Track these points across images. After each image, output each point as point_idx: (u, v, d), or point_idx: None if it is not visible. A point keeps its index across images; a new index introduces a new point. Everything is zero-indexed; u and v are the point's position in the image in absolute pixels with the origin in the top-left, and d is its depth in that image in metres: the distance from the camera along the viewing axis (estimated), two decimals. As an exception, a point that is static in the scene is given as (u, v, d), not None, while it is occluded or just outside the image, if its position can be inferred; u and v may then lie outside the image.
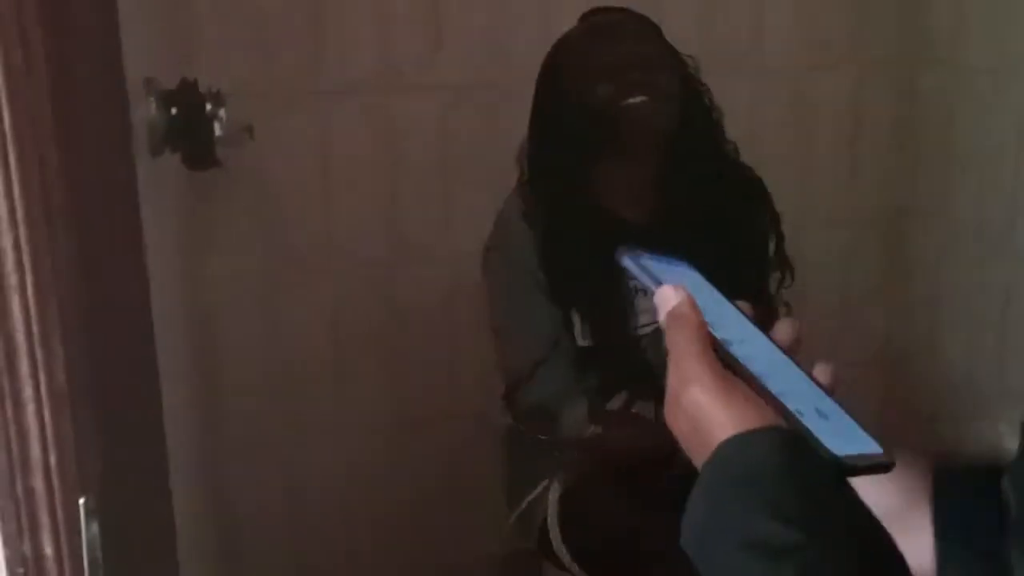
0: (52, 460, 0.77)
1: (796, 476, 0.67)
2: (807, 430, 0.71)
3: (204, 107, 1.27)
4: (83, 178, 0.75)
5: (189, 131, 1.27)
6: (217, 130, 1.30)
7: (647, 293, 0.82)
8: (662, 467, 1.42)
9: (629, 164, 1.78)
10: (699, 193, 1.79)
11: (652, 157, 1.77)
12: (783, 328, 0.79)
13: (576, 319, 1.75)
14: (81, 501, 0.78)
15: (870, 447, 0.71)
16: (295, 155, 2.11)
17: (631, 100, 1.69)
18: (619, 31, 1.77)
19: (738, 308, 0.81)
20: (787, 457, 0.68)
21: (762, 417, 0.71)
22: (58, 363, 0.75)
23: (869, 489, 0.71)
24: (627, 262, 0.84)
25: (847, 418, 0.73)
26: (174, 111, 1.26)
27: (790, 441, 0.69)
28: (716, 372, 0.74)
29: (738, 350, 0.76)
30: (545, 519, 1.77)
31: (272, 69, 2.05)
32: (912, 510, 0.79)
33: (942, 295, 2.45)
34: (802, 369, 0.77)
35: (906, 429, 2.38)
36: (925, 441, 2.38)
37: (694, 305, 0.77)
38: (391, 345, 2.26)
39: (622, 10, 1.83)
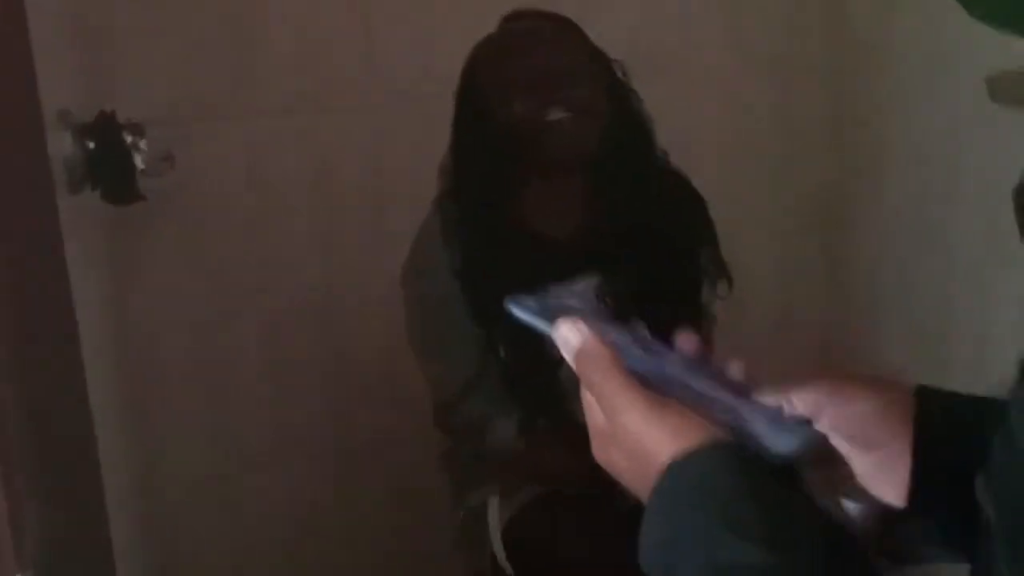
0: (-18, 535, 0.70)
1: (753, 490, 0.66)
2: (748, 435, 0.71)
3: (123, 139, 1.21)
4: (1, 226, 0.69)
5: (109, 165, 1.20)
6: (139, 163, 1.23)
7: None
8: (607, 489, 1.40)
9: (553, 181, 1.71)
10: (627, 207, 1.72)
11: (577, 173, 1.70)
12: (685, 339, 0.78)
13: (497, 337, 1.70)
14: (16, 578, 0.71)
15: (802, 432, 0.71)
16: (222, 182, 2.04)
17: (551, 117, 1.61)
18: (536, 39, 1.69)
19: (633, 325, 0.79)
20: (740, 470, 0.67)
21: (702, 429, 0.69)
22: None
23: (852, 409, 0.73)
24: (517, 312, 0.81)
25: (770, 411, 0.73)
26: (91, 145, 1.20)
27: (738, 453, 0.68)
28: (644, 396, 0.72)
29: (651, 367, 0.75)
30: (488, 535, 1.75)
31: (193, 95, 1.98)
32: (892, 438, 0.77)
33: (880, 296, 2.44)
34: (714, 373, 0.76)
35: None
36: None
37: (597, 339, 0.76)
38: (330, 370, 2.20)
39: (541, 14, 1.74)
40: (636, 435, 0.71)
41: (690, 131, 2.18)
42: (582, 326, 0.77)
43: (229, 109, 2.03)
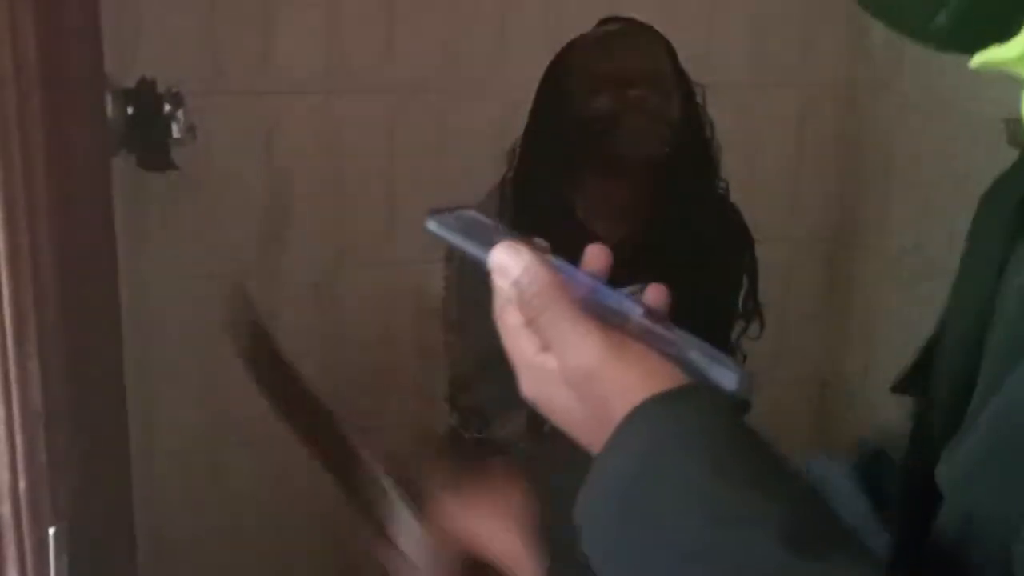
0: (22, 487, 0.72)
1: (743, 436, 0.60)
2: (693, 372, 0.64)
3: (163, 107, 1.22)
4: (68, 189, 0.70)
5: (147, 131, 1.21)
6: (175, 132, 1.25)
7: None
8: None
9: (614, 181, 1.73)
10: (678, 225, 1.74)
11: (637, 178, 1.72)
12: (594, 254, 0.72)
13: None
14: (51, 531, 0.73)
15: (739, 368, 0.65)
16: (239, 156, 2.05)
17: (627, 118, 1.64)
18: (626, 42, 1.72)
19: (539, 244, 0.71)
20: (725, 415, 0.61)
21: (671, 370, 0.63)
22: (34, 383, 0.70)
23: None
24: (436, 229, 0.72)
25: (704, 346, 0.66)
26: (131, 110, 1.21)
27: (712, 395, 0.63)
28: (600, 330, 0.64)
29: (589, 296, 0.67)
30: None
31: (218, 68, 1.99)
32: None
33: (879, 316, 2.47)
34: (645, 305, 0.68)
35: (839, 447, 2.40)
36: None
37: (545, 261, 0.68)
38: (331, 352, 2.21)
39: (634, 21, 1.77)
40: (592, 373, 0.64)
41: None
42: (523, 249, 0.69)
43: (250, 84, 2.04)
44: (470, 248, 0.71)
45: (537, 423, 1.73)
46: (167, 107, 1.24)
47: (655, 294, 0.70)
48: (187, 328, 2.10)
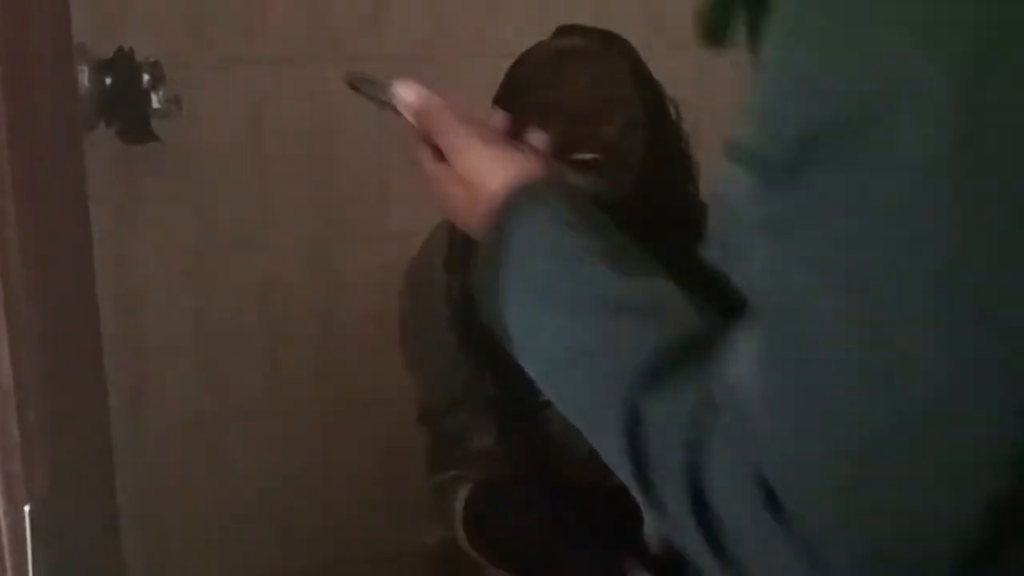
0: (-5, 466, 0.70)
1: (582, 205, 0.81)
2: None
3: (141, 78, 1.19)
4: (34, 160, 0.68)
5: (125, 103, 1.18)
6: (155, 102, 1.22)
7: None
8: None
9: None
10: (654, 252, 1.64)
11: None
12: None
13: (486, 374, 1.66)
14: (27, 509, 0.71)
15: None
16: (227, 128, 2.02)
17: (577, 157, 1.39)
18: (577, 64, 1.50)
19: None
20: (573, 193, 0.83)
21: (536, 167, 0.85)
22: (4, 362, 0.68)
23: None
24: (359, 87, 0.97)
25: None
26: (108, 81, 1.18)
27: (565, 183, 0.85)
28: (479, 131, 0.89)
29: None
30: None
31: (204, 37, 1.96)
32: None
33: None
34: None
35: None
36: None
37: (431, 93, 0.92)
38: (325, 325, 2.20)
39: (590, 31, 1.55)
40: (474, 165, 0.86)
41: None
42: (415, 84, 0.93)
43: (238, 54, 2.00)
44: (380, 95, 0.96)
45: (506, 439, 1.72)
46: (147, 78, 1.21)
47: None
48: (177, 303, 2.08)
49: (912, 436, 0.55)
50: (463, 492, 1.70)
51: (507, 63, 1.72)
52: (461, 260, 1.57)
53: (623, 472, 0.69)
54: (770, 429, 0.58)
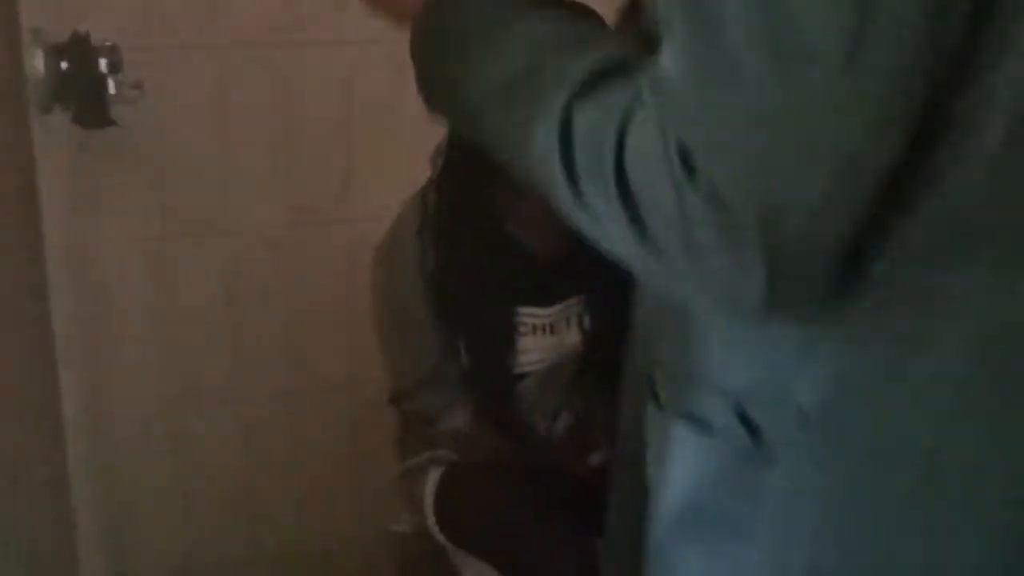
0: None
1: None
2: None
3: (97, 62, 1.17)
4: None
5: (81, 88, 1.16)
6: (111, 87, 1.20)
7: (535, 332, 0.86)
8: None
9: None
10: None
11: None
12: None
13: (460, 345, 1.67)
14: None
15: None
16: (188, 112, 1.99)
17: None
18: None
19: None
20: None
21: None
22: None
23: None
24: None
25: None
26: (64, 65, 1.16)
27: None
28: None
29: None
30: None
31: (165, 20, 1.93)
32: None
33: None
34: None
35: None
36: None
37: None
38: (289, 310, 2.18)
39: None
40: None
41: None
42: None
43: (201, 37, 1.98)
44: None
45: (479, 418, 1.71)
46: (104, 62, 1.18)
47: None
48: (139, 292, 2.06)
49: (811, 111, 0.63)
50: (433, 476, 1.70)
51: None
52: (434, 229, 1.60)
53: (555, 186, 0.75)
54: (690, 101, 0.66)
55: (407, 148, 1.77)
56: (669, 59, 0.68)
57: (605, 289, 1.57)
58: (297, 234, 2.15)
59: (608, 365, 1.15)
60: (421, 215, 1.64)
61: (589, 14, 1.00)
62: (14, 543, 0.69)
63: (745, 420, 0.79)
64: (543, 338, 1.65)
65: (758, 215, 0.65)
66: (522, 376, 1.68)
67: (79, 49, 1.17)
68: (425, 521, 1.73)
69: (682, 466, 0.84)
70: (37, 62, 1.11)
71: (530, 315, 1.65)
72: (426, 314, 1.62)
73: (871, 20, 0.62)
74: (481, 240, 1.61)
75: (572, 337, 1.68)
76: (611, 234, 0.73)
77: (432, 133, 1.93)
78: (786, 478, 0.77)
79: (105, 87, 1.21)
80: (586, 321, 1.67)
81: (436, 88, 0.89)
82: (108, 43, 1.23)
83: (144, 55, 1.69)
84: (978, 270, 0.70)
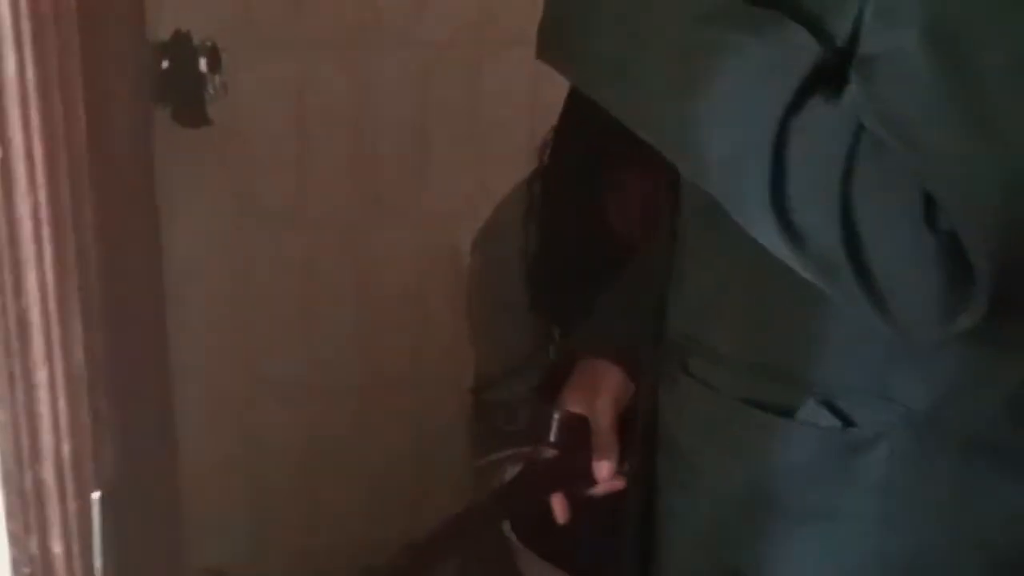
0: (65, 451, 0.69)
1: None
2: None
3: (198, 61, 1.18)
4: (109, 141, 0.67)
5: (182, 86, 1.18)
6: (210, 88, 1.21)
7: None
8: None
9: (649, 182, 1.58)
10: None
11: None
12: None
13: (556, 334, 1.67)
14: (95, 496, 0.71)
15: None
16: (269, 110, 2.02)
17: None
18: None
19: None
20: None
21: None
22: (77, 344, 0.67)
23: None
24: None
25: None
26: (166, 64, 1.17)
27: None
28: None
29: None
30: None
31: (247, 18, 1.95)
32: None
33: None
34: None
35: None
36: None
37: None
38: (361, 307, 2.20)
39: None
40: None
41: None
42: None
43: (281, 35, 2.00)
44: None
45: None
46: (203, 61, 1.20)
47: None
48: (221, 285, 2.08)
49: None
50: (510, 475, 1.70)
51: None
52: (541, 215, 1.62)
53: (744, 200, 0.72)
54: (937, 144, 0.65)
55: (481, 146, 1.78)
56: (906, 91, 0.66)
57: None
58: (371, 229, 2.17)
59: None
60: (527, 203, 1.65)
61: None
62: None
63: (835, 410, 0.81)
64: None
65: (996, 262, 0.66)
66: None
67: (181, 48, 1.19)
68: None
69: (749, 449, 0.86)
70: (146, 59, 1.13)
71: None
72: (523, 301, 1.63)
73: None
74: (583, 230, 1.62)
75: None
76: (813, 258, 0.72)
77: (504, 132, 1.93)
78: (885, 466, 0.79)
79: (204, 86, 1.22)
80: None
81: (573, 34, 0.82)
82: (208, 43, 1.24)
83: (230, 53, 1.71)
84: None
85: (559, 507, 1.17)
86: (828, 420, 0.81)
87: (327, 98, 2.06)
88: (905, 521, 0.81)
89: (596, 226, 1.64)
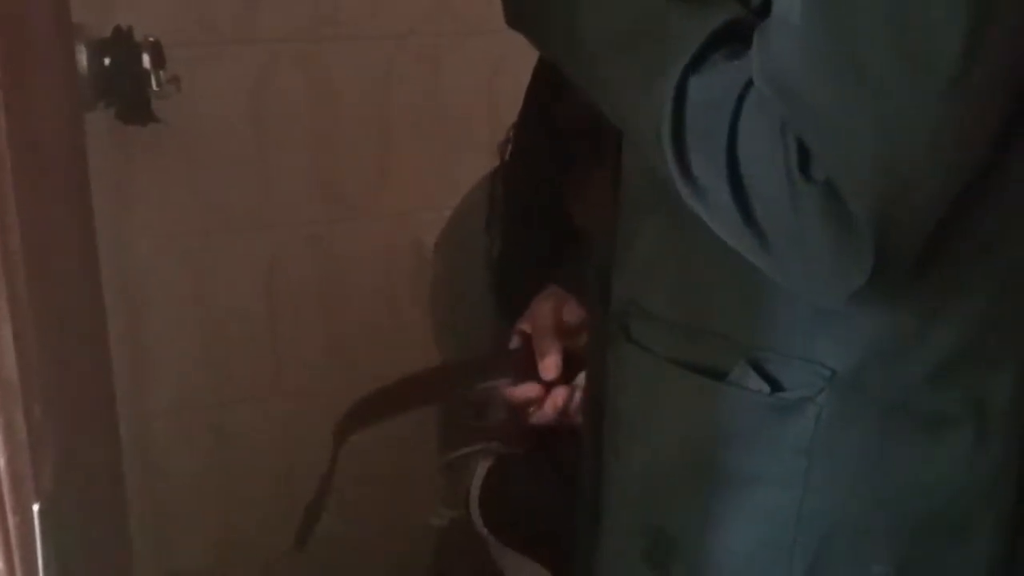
0: (1, 463, 0.67)
1: None
2: None
3: (140, 58, 1.16)
4: (35, 142, 0.65)
5: (124, 84, 1.15)
6: (154, 83, 1.19)
7: None
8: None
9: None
10: None
11: None
12: None
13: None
14: (35, 508, 0.68)
15: None
16: (226, 107, 1.99)
17: None
18: None
19: None
20: None
21: None
22: (8, 352, 0.65)
23: None
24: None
25: None
26: (107, 61, 1.15)
27: None
28: None
29: None
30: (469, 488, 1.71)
31: (202, 15, 1.93)
32: None
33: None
34: None
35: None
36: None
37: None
38: (328, 304, 2.18)
39: None
40: None
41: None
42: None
43: (237, 32, 1.97)
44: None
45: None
46: (146, 57, 1.18)
47: None
48: (180, 284, 2.06)
49: (936, 111, 0.65)
50: (480, 469, 1.68)
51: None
52: (502, 219, 1.58)
53: (658, 151, 0.74)
54: (811, 94, 0.67)
55: (443, 140, 1.76)
56: (788, 44, 0.68)
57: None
58: (334, 229, 2.15)
59: None
60: (489, 203, 1.62)
61: None
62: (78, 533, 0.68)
63: (762, 373, 0.82)
64: None
65: (875, 210, 0.67)
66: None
67: (122, 45, 1.16)
68: (467, 514, 1.72)
69: (681, 412, 0.88)
70: (81, 58, 1.11)
71: None
72: (487, 302, 1.61)
73: (990, 21, 0.64)
74: (547, 229, 1.60)
75: None
76: (712, 208, 0.74)
77: (466, 125, 1.91)
78: (811, 430, 0.80)
79: (148, 83, 1.20)
80: None
81: (532, 6, 0.86)
82: (151, 38, 1.22)
83: (182, 50, 1.68)
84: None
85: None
86: (757, 383, 0.82)
87: (285, 95, 2.03)
88: (826, 484, 0.82)
89: (560, 225, 1.62)
